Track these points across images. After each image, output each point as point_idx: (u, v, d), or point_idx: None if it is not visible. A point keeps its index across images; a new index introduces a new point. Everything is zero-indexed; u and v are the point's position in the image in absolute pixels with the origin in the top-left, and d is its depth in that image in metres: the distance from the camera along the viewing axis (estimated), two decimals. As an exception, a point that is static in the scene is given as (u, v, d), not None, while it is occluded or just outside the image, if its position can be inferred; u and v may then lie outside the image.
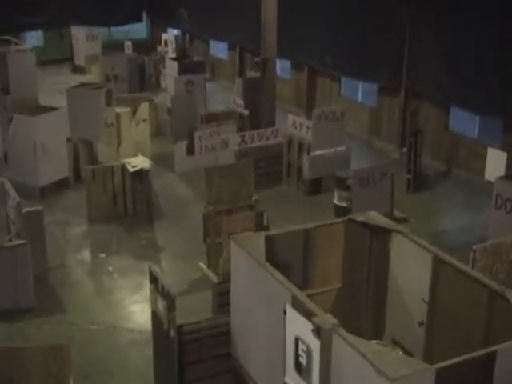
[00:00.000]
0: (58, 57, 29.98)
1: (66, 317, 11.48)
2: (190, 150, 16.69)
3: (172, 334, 8.42)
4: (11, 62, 20.25)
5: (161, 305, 8.48)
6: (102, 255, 13.72)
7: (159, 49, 27.77)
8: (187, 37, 29.73)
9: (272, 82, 18.49)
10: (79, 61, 28.84)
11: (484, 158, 16.58)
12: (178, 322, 8.42)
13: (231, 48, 27.55)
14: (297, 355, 7.00)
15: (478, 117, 17.49)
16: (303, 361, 6.91)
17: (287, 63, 23.98)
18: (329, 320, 6.52)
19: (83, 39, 28.99)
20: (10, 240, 11.97)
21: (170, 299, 8.23)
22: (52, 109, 16.66)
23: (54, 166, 16.31)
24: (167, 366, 8.77)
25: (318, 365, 6.62)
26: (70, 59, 29.86)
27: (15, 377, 7.28)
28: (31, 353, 7.40)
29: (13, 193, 12.11)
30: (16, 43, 22.65)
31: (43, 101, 19.72)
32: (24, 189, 14.20)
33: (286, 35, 19.79)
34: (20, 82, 20.00)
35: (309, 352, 6.77)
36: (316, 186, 16.55)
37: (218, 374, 8.83)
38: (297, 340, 6.97)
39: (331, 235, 8.82)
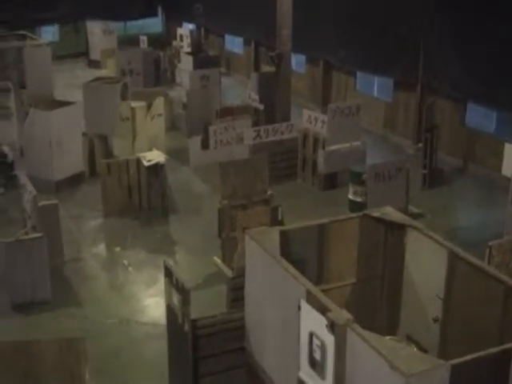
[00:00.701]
0: (74, 51, 30.06)
1: (82, 310, 11.55)
2: (205, 145, 16.70)
3: (186, 327, 8.44)
4: (27, 56, 20.38)
5: (175, 299, 8.50)
6: (117, 249, 13.78)
7: (174, 43, 27.82)
8: (202, 31, 29.73)
9: (287, 76, 18.45)
10: (95, 55, 28.88)
11: (501, 154, 16.48)
12: (193, 316, 8.43)
13: (246, 43, 27.51)
14: (311, 350, 7.00)
15: (494, 112, 17.37)
16: (317, 356, 6.90)
17: (302, 58, 23.90)
18: (343, 315, 6.51)
19: (99, 34, 29.04)
20: (26, 233, 12.05)
21: (184, 293, 8.24)
22: (68, 103, 16.72)
23: (70, 161, 16.37)
24: (182, 359, 8.79)
25: (332, 360, 6.62)
26: (86, 54, 29.96)
27: (31, 369, 7.32)
28: (47, 346, 7.42)
29: (29, 186, 12.16)
30: (31, 38, 22.79)
31: (59, 95, 19.79)
32: (39, 183, 14.22)
33: (301, 30, 19.71)
34: (36, 76, 20.11)
35: (323, 347, 6.76)
36: (331, 181, 16.51)
37: (232, 368, 8.85)
38: (311, 335, 6.97)
39: (346, 230, 8.80)
